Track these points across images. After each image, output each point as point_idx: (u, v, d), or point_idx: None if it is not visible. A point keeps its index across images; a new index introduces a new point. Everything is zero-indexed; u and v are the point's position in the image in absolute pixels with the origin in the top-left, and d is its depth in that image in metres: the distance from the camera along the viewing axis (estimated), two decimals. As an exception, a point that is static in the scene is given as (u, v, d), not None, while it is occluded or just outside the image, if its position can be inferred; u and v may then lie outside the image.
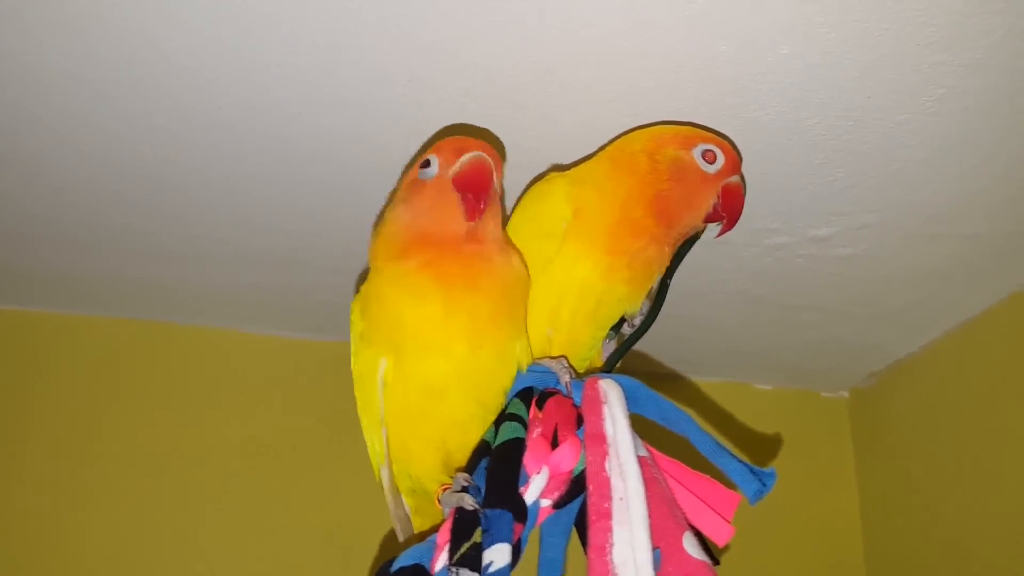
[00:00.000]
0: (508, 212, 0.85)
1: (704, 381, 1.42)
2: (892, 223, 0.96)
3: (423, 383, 0.66)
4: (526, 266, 0.71)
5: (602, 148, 0.79)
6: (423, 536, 0.68)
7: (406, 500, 0.73)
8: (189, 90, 0.80)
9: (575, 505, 0.65)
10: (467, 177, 0.66)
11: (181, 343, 1.30)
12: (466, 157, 0.66)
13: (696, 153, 0.72)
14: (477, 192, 0.65)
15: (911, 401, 1.31)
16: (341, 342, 1.29)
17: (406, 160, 0.88)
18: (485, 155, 0.66)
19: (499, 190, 0.68)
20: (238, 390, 1.29)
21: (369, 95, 0.79)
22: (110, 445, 1.22)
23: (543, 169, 0.88)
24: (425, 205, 0.67)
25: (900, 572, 1.29)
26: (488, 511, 0.57)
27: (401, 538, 0.75)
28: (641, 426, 0.64)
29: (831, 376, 1.41)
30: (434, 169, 0.67)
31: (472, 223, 0.65)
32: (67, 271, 1.16)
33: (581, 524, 0.64)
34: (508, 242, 0.71)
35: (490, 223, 0.67)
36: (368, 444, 0.72)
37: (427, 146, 0.87)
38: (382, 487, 0.72)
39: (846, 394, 1.46)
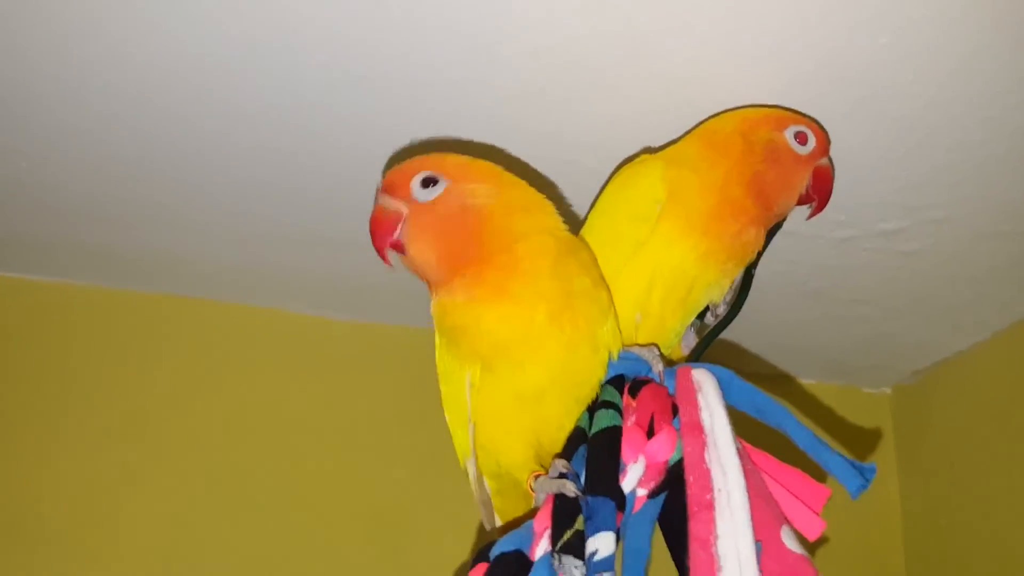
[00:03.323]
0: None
1: (745, 373, 1.40)
2: (962, 219, 0.95)
3: (518, 391, 0.63)
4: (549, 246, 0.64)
5: (691, 130, 0.78)
6: (511, 524, 0.67)
7: (488, 482, 0.71)
8: (239, 60, 0.77)
9: (662, 495, 0.64)
10: None
11: (227, 322, 1.27)
12: None
13: (788, 134, 0.72)
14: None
15: (955, 399, 1.30)
16: (394, 325, 1.29)
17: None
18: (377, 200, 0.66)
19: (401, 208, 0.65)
20: (284, 372, 1.27)
21: (441, 75, 0.78)
22: (148, 426, 1.20)
23: (634, 151, 0.86)
24: None
25: (941, 572, 1.29)
26: (590, 498, 0.56)
27: (488, 525, 0.73)
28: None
29: (875, 372, 1.40)
30: None
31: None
32: (120, 248, 1.14)
33: (664, 514, 0.63)
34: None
35: (417, 253, 0.66)
36: (453, 436, 0.70)
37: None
38: (466, 474, 0.70)
39: (888, 390, 1.45)
